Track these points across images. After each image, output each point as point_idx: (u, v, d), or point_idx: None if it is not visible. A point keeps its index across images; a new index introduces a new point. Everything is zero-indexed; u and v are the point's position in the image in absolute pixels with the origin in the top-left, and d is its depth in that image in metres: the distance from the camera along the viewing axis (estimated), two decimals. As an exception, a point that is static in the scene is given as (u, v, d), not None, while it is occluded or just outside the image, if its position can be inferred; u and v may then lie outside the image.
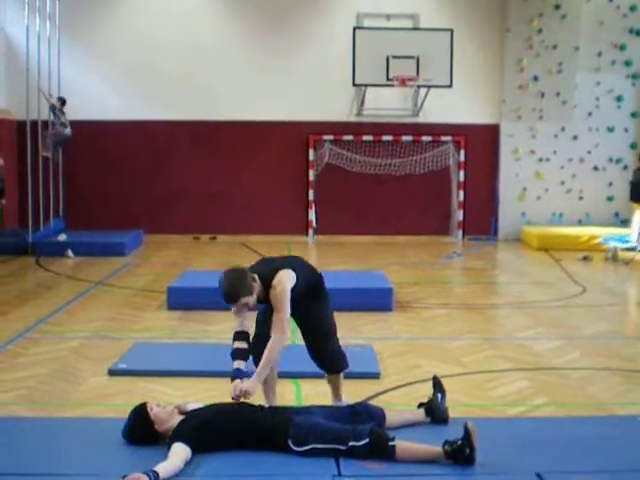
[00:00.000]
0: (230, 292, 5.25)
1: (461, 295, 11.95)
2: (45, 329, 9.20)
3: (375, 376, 7.22)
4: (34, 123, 15.83)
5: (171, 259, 15.04)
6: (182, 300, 10.26)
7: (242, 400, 5.14)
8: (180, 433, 4.82)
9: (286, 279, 5.35)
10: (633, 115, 18.14)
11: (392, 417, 5.28)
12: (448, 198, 18.18)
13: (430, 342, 8.78)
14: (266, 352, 5.24)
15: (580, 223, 18.16)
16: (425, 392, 6.69)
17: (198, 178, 17.88)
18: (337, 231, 17.86)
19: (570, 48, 17.79)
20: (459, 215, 18.20)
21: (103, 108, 17.56)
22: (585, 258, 15.05)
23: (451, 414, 5.46)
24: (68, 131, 16.03)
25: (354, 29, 16.59)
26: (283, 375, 6.20)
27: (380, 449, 4.76)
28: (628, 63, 17.94)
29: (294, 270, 5.47)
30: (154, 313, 10.15)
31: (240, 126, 17.83)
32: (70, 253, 14.94)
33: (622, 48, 17.89)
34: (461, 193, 18.18)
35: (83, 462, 4.75)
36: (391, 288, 10.50)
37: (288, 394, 6.59)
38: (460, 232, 18.22)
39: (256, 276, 5.34)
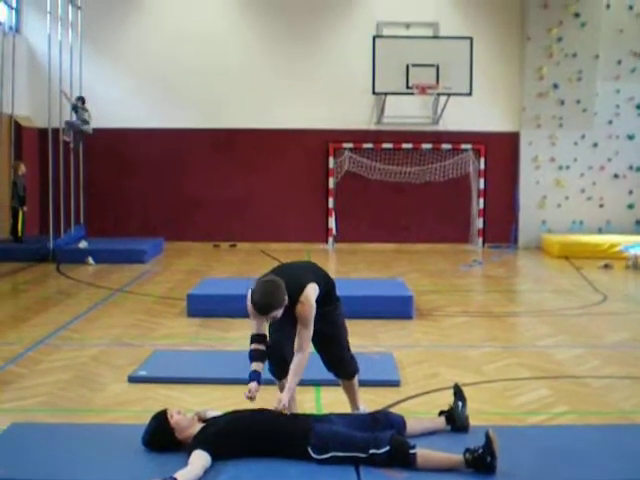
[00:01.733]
0: (266, 303, 5.16)
1: (481, 303, 11.91)
2: (66, 336, 9.23)
3: (395, 384, 7.20)
4: (56, 131, 15.94)
5: (191, 266, 15.09)
6: (202, 307, 10.28)
7: (280, 410, 5.10)
8: (200, 440, 4.82)
9: (312, 295, 5.34)
10: (654, 123, 18.07)
11: (413, 425, 5.27)
12: (468, 206, 18.15)
13: (450, 350, 8.75)
14: (293, 369, 5.29)
15: (600, 231, 18.09)
16: (445, 400, 6.67)
17: (218, 186, 17.94)
18: (357, 239, 17.87)
19: (590, 56, 17.75)
20: (479, 223, 18.17)
21: (124, 116, 17.66)
22: (606, 266, 14.98)
23: (472, 422, 5.44)
24: (88, 128, 16.17)
25: (374, 37, 16.62)
26: (303, 382, 6.18)
27: (401, 457, 4.74)
28: (648, 71, 17.88)
29: (316, 281, 5.47)
30: (174, 320, 10.17)
31: (260, 134, 17.88)
32: (91, 260, 15.01)
33: (642, 56, 17.84)
34: (481, 201, 18.16)
35: (103, 468, 4.76)
36: (411, 296, 10.49)
37: (308, 401, 6.58)
38: (480, 240, 18.19)
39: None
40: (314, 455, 4.80)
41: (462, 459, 4.74)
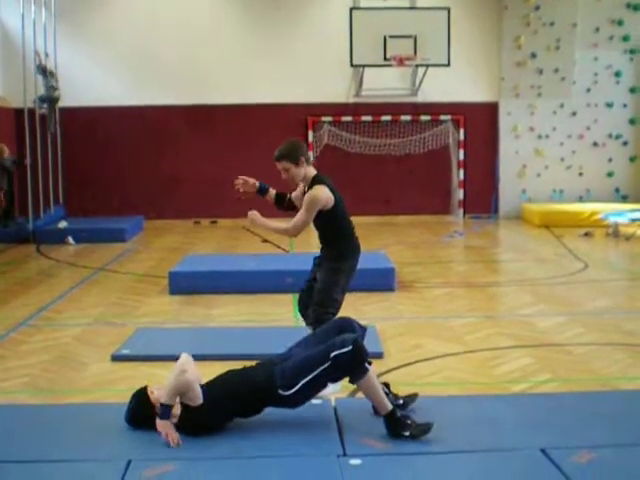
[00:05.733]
0: (280, 151, 6.05)
1: (463, 274, 11.95)
2: (47, 316, 9.20)
3: (378, 356, 7.19)
4: (32, 111, 15.80)
5: (172, 244, 15.05)
6: (184, 285, 10.26)
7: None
8: (190, 427, 4.84)
9: (321, 193, 5.98)
10: (632, 90, 18.10)
11: None
12: (448, 177, 18.16)
13: (432, 321, 8.78)
14: (276, 223, 6.16)
15: (581, 199, 18.15)
16: (428, 371, 6.73)
17: (197, 162, 17.86)
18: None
19: (568, 24, 17.73)
20: (459, 194, 18.19)
21: (101, 94, 17.52)
22: (586, 234, 15.05)
23: (456, 392, 5.44)
24: (57, 94, 15.93)
25: (351, 9, 16.52)
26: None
27: (358, 362, 4.79)
28: (626, 38, 17.88)
29: (335, 196, 6.06)
30: (156, 298, 10.16)
31: (238, 109, 17.79)
32: (71, 240, 14.94)
33: (620, 23, 17.82)
34: (461, 172, 18.16)
35: (87, 448, 4.74)
36: (393, 268, 10.50)
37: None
38: (461, 211, 18.22)
39: (311, 165, 6.14)
40: (285, 393, 4.83)
41: (389, 407, 4.82)
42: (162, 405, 4.77)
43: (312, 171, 6.13)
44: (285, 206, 6.52)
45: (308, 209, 5.98)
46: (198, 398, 4.86)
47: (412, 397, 5.29)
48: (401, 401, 5.22)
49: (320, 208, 6.01)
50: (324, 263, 6.24)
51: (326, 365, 4.77)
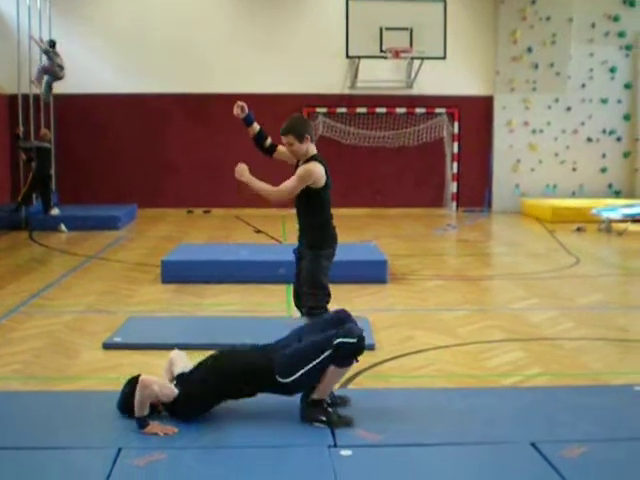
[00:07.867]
0: (286, 126, 6.07)
1: (455, 266, 11.96)
2: (39, 303, 9.18)
3: (370, 348, 7.17)
4: (26, 97, 15.76)
5: (165, 233, 15.03)
6: (176, 273, 10.24)
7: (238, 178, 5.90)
8: (183, 412, 4.89)
9: (315, 168, 6.03)
10: (626, 86, 18.12)
11: None
12: (442, 170, 18.17)
13: (425, 313, 8.78)
14: (262, 184, 6.06)
15: (574, 194, 18.17)
16: (419, 363, 6.74)
17: (192, 152, 17.84)
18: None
19: (564, 19, 17.73)
20: (453, 187, 18.20)
21: (96, 81, 17.47)
22: (579, 229, 15.08)
23: (446, 384, 5.44)
24: (63, 74, 15.90)
25: (347, 1, 16.49)
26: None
27: (356, 354, 4.84)
28: (622, 34, 17.90)
29: (326, 180, 6.12)
30: (148, 287, 10.14)
31: (234, 99, 17.33)
32: (63, 227, 14.91)
33: (616, 19, 17.83)
34: (455, 165, 18.18)
35: (78, 435, 4.74)
36: (385, 260, 10.50)
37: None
38: (454, 204, 18.24)
39: (312, 143, 6.15)
40: (284, 380, 4.84)
41: (324, 397, 4.89)
42: (136, 418, 4.77)
43: (313, 149, 6.16)
44: (264, 147, 6.55)
45: (299, 179, 6.01)
46: (171, 393, 4.90)
47: (344, 400, 5.26)
48: (329, 400, 5.16)
49: (310, 184, 6.05)
50: (305, 252, 6.24)
51: (328, 353, 4.77)
